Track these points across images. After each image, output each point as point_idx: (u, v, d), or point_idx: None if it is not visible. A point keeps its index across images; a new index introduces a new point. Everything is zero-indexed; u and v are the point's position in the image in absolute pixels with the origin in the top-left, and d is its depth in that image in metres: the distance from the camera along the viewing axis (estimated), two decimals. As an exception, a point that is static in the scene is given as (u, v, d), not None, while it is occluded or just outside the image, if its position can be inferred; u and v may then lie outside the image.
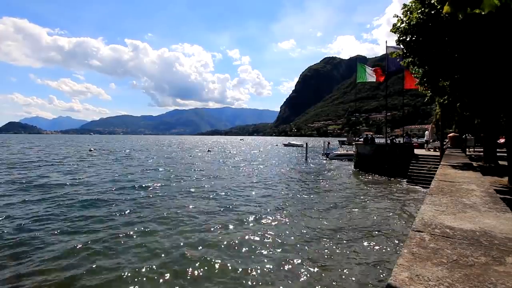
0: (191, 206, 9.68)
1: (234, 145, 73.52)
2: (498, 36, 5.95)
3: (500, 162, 12.70)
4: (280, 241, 6.63)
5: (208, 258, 5.64)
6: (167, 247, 6.19)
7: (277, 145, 70.89)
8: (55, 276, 4.94)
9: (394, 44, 9.63)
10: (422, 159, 15.77)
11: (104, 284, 4.74)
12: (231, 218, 8.41)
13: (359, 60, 28.43)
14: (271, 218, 8.44)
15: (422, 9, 6.93)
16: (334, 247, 6.29)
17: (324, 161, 28.09)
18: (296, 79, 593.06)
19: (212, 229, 7.41)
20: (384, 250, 6.10)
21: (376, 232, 7.20)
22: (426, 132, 24.58)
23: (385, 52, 17.93)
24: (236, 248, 6.22)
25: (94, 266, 5.31)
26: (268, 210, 9.42)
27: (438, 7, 6.34)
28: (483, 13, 1.34)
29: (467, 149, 20.47)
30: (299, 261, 5.58)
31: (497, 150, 14.35)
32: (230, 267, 5.30)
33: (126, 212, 8.94)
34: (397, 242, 6.52)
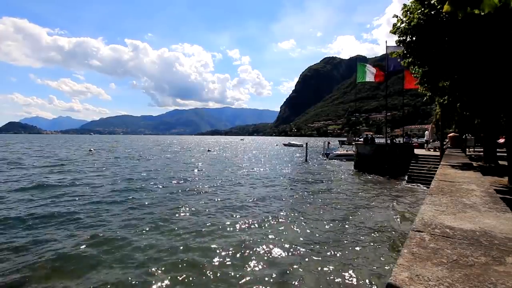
0: (190, 207, 9.68)
1: (235, 145, 73.54)
2: (498, 36, 5.95)
3: (500, 162, 12.69)
4: (280, 241, 6.63)
5: (208, 259, 5.65)
6: (169, 245, 6.20)
7: (277, 145, 70.88)
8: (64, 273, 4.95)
9: (394, 44, 9.61)
10: (422, 159, 15.77)
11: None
12: (231, 218, 8.42)
13: (359, 60, 28.45)
14: (271, 219, 8.44)
15: (422, 9, 6.93)
16: (334, 247, 6.28)
17: (324, 161, 28.08)
18: (296, 79, 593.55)
19: (210, 231, 7.38)
20: (384, 250, 6.10)
21: (376, 232, 7.19)
22: (426, 132, 24.58)
23: (385, 52, 17.94)
24: (236, 248, 6.22)
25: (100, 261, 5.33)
26: (269, 210, 9.41)
27: (438, 7, 6.34)
28: (482, 13, 1.34)
29: (467, 149, 20.47)
30: (299, 261, 5.58)
31: (497, 150, 14.34)
32: (229, 267, 5.30)
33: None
34: (397, 242, 6.51)
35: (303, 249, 6.15)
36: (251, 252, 6.02)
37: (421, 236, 2.17)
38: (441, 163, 8.97)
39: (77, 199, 10.57)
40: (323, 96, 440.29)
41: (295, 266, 5.36)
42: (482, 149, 16.54)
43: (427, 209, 3.00)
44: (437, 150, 17.84)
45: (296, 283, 4.79)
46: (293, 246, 6.35)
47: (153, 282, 4.81)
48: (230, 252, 5.99)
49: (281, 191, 12.74)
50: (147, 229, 7.35)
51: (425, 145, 22.36)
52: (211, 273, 5.11)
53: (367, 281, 4.85)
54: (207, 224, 7.79)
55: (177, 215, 8.69)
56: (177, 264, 5.44)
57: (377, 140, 24.46)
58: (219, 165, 24.35)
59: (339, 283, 4.80)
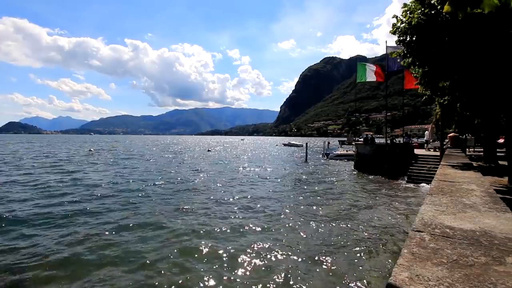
0: (190, 206, 9.68)
1: (235, 145, 73.59)
2: (498, 36, 5.95)
3: (500, 162, 12.70)
4: (280, 241, 6.64)
5: (208, 260, 5.65)
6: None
7: (277, 145, 70.90)
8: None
9: (394, 44, 9.64)
10: (422, 159, 15.78)
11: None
12: (232, 219, 8.42)
13: (359, 60, 28.47)
14: (272, 218, 8.44)
15: (422, 9, 6.93)
16: (334, 246, 6.28)
17: (324, 161, 28.08)
18: (296, 79, 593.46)
19: (212, 231, 7.37)
20: (384, 250, 6.10)
21: (376, 232, 7.19)
22: (426, 132, 24.59)
23: (385, 52, 17.94)
24: (237, 249, 6.22)
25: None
26: (269, 210, 9.41)
27: (438, 7, 6.34)
28: (481, 11, 1.33)
29: (467, 149, 20.47)
30: (299, 261, 5.58)
31: (497, 150, 14.34)
32: (230, 268, 5.31)
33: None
34: (397, 242, 6.51)
35: (302, 249, 6.15)
36: (252, 253, 6.02)
37: (421, 236, 2.17)
38: (441, 163, 8.97)
39: (76, 199, 10.57)
40: (323, 96, 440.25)
41: (295, 266, 5.36)
42: (482, 149, 16.55)
43: (427, 209, 3.00)
44: (437, 150, 17.84)
45: (298, 283, 4.80)
46: (294, 246, 6.35)
47: (153, 282, 4.81)
48: (230, 253, 5.99)
49: (281, 191, 12.74)
50: (148, 229, 7.36)
51: (425, 145, 22.37)
52: (210, 274, 5.12)
53: (367, 281, 4.85)
54: (209, 225, 7.79)
55: (177, 215, 8.69)
56: (176, 264, 5.45)
57: (377, 140, 24.46)
58: (219, 165, 24.34)
59: (339, 282, 4.80)
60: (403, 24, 7.68)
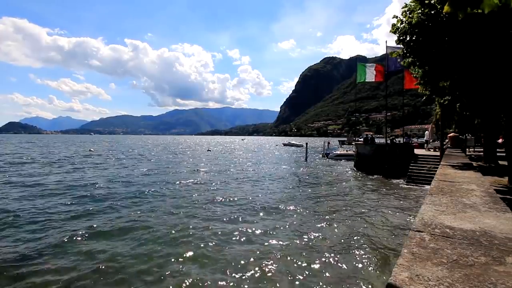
0: (189, 206, 9.69)
1: (236, 145, 73.65)
2: (498, 36, 5.95)
3: (500, 162, 12.69)
4: (280, 242, 6.64)
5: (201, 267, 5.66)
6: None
7: (277, 145, 70.93)
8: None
9: (394, 44, 9.62)
10: (422, 159, 15.77)
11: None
12: (233, 219, 8.43)
13: (359, 60, 28.47)
14: (271, 219, 8.45)
15: (422, 9, 6.93)
16: (335, 247, 6.29)
17: (324, 161, 28.08)
18: (296, 79, 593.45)
19: (208, 233, 7.39)
20: (384, 250, 6.10)
21: (376, 232, 7.20)
22: (426, 132, 24.59)
23: (385, 52, 17.94)
24: (238, 250, 6.22)
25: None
26: (269, 211, 9.42)
27: (438, 7, 6.34)
28: (481, 11, 1.33)
29: (467, 149, 20.47)
30: (299, 262, 5.58)
31: (497, 150, 14.34)
32: (229, 269, 5.31)
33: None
34: (397, 241, 6.51)
35: (302, 250, 6.15)
36: (253, 253, 6.02)
37: (421, 236, 2.17)
38: (441, 163, 8.97)
39: (75, 199, 10.57)
40: (323, 96, 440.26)
41: (294, 267, 5.36)
42: (482, 149, 16.54)
43: (427, 209, 3.00)
44: (437, 150, 17.84)
45: (296, 283, 4.80)
46: (292, 246, 6.35)
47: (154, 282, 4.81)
48: (230, 255, 5.99)
49: (281, 191, 12.74)
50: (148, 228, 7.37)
51: (425, 145, 22.36)
52: (211, 274, 5.12)
53: (367, 281, 4.85)
54: (205, 225, 7.80)
55: (176, 215, 8.70)
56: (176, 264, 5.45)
57: (377, 140, 24.46)
58: (220, 165, 24.33)
59: (339, 283, 4.80)
60: (403, 24, 7.68)
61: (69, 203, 9.96)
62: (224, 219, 8.31)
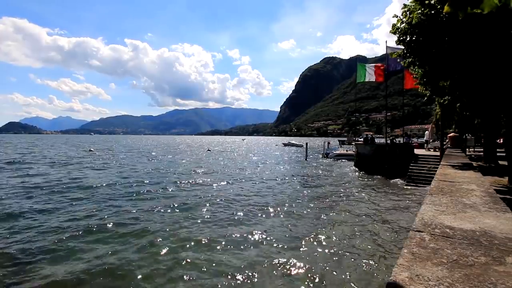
0: (189, 207, 9.69)
1: (236, 145, 73.74)
2: (498, 36, 5.95)
3: (500, 162, 12.70)
4: (280, 242, 6.64)
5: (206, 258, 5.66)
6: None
7: (276, 145, 70.97)
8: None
9: (394, 44, 9.63)
10: (422, 159, 15.77)
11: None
12: (230, 219, 8.43)
13: (359, 60, 28.49)
14: (271, 220, 8.45)
15: (422, 9, 6.93)
16: (334, 247, 6.29)
17: (324, 161, 28.08)
18: (296, 79, 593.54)
19: (208, 234, 7.38)
20: (384, 250, 6.10)
21: (376, 232, 7.20)
22: (426, 132, 24.59)
23: (385, 52, 17.94)
24: (234, 249, 6.22)
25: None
26: (269, 211, 9.42)
27: (438, 7, 6.34)
28: (480, 11, 1.33)
29: (467, 149, 20.47)
30: (299, 262, 5.59)
31: (497, 150, 14.34)
32: (227, 268, 5.31)
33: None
34: (397, 241, 6.51)
35: (302, 250, 6.15)
36: (255, 253, 6.02)
37: (421, 236, 2.17)
38: (441, 163, 8.97)
39: (73, 200, 10.57)
40: (323, 96, 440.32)
41: (294, 267, 5.36)
42: (482, 149, 16.55)
43: (427, 209, 3.00)
44: (437, 150, 17.84)
45: (296, 283, 4.80)
46: (293, 247, 6.36)
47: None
48: (232, 256, 5.99)
49: (282, 191, 12.73)
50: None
51: (425, 145, 22.36)
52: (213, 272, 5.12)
53: (367, 281, 4.85)
54: (205, 225, 7.80)
55: (176, 215, 8.70)
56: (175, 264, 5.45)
57: (377, 140, 24.46)
58: (221, 165, 24.33)
59: (338, 282, 4.80)
60: (403, 24, 7.69)
61: (66, 203, 9.96)
62: (224, 220, 8.30)
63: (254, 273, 5.06)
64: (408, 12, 7.55)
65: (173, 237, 6.78)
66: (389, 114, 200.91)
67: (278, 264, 5.42)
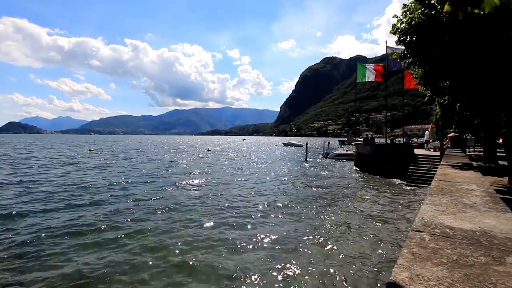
0: (189, 208, 9.69)
1: (237, 145, 73.81)
2: (498, 36, 5.95)
3: (500, 162, 12.69)
4: (279, 242, 6.64)
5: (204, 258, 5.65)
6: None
7: (276, 145, 71.01)
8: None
9: (394, 44, 9.63)
10: (422, 159, 15.77)
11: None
12: (229, 220, 8.43)
13: (359, 60, 28.51)
14: (271, 220, 8.45)
15: (422, 9, 6.93)
16: (334, 247, 6.28)
17: (324, 161, 28.09)
18: (296, 79, 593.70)
19: (209, 234, 7.37)
20: (384, 250, 6.09)
21: (376, 232, 7.19)
22: (426, 132, 24.59)
23: (385, 52, 17.95)
24: (234, 248, 6.22)
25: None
26: (269, 211, 9.42)
27: (438, 7, 6.34)
28: (482, 12, 1.33)
29: (467, 149, 20.47)
30: (298, 262, 5.58)
31: (497, 150, 14.34)
32: (227, 267, 5.31)
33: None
34: (397, 241, 6.51)
35: (302, 250, 6.15)
36: (252, 255, 6.02)
37: (421, 236, 2.16)
38: (441, 163, 8.97)
39: (72, 201, 10.57)
40: (323, 96, 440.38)
41: (294, 267, 5.36)
42: (482, 149, 16.54)
43: (427, 209, 3.00)
44: (437, 150, 17.84)
45: (296, 283, 4.80)
46: (292, 247, 6.35)
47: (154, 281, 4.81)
48: (227, 251, 5.99)
49: (282, 192, 12.73)
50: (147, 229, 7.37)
51: (425, 145, 22.36)
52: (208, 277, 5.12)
53: (367, 281, 4.84)
54: (205, 225, 7.80)
55: (176, 217, 8.70)
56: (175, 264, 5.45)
57: (377, 140, 24.46)
58: (221, 165, 24.33)
59: (338, 282, 4.79)
60: (403, 24, 7.69)
61: (63, 205, 9.96)
62: (225, 222, 8.28)
63: (254, 276, 5.06)
64: (408, 12, 7.55)
65: (172, 239, 6.69)
66: (389, 114, 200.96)
67: (279, 266, 5.42)
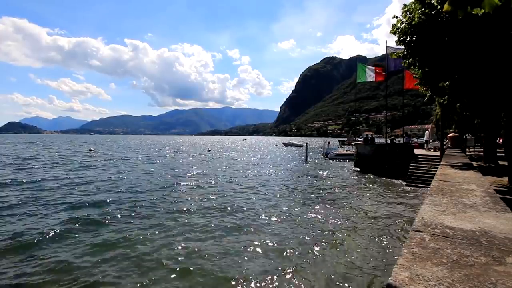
0: (190, 204, 9.70)
1: (237, 145, 73.83)
2: (498, 36, 5.95)
3: (500, 162, 12.69)
4: (279, 243, 6.64)
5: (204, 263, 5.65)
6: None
7: (276, 145, 71.02)
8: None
9: (394, 44, 9.64)
10: (422, 159, 15.76)
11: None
12: (230, 220, 8.43)
13: (359, 60, 28.51)
14: (270, 220, 8.45)
15: (422, 9, 6.93)
16: (334, 247, 6.28)
17: (324, 161, 28.09)
18: (296, 79, 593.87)
19: (210, 235, 7.35)
20: (384, 250, 6.09)
21: (376, 232, 7.19)
22: (426, 132, 24.59)
23: (385, 52, 17.94)
24: (233, 250, 6.22)
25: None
26: (268, 211, 9.42)
27: (438, 7, 6.34)
28: (480, 12, 1.33)
29: (467, 149, 20.47)
30: (298, 262, 5.58)
31: (497, 150, 14.33)
32: (227, 268, 5.31)
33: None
34: (397, 242, 6.51)
35: (301, 251, 6.15)
36: (251, 256, 6.01)
37: (421, 236, 2.16)
38: (441, 163, 8.97)
39: (70, 201, 10.57)
40: (323, 96, 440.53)
41: (293, 267, 5.36)
42: (482, 149, 16.54)
43: (427, 209, 3.00)
44: (437, 150, 17.84)
45: (295, 284, 4.80)
46: (292, 247, 6.35)
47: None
48: (227, 254, 5.98)
49: (281, 192, 12.73)
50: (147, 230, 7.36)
51: (425, 145, 22.36)
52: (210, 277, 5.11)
53: (367, 281, 4.84)
54: (206, 226, 7.80)
55: (176, 214, 8.70)
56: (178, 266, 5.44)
57: (377, 140, 24.45)
58: (221, 165, 24.32)
59: (338, 282, 4.79)
60: (403, 24, 7.69)
61: (62, 204, 9.96)
62: (225, 223, 8.27)
63: (254, 277, 5.06)
64: (408, 12, 7.55)
65: (172, 242, 6.61)
66: (389, 114, 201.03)
67: (279, 267, 5.42)
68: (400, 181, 14.77)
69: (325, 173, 19.30)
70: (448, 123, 20.51)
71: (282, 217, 8.54)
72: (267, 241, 6.56)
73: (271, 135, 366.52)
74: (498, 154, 13.74)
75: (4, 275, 4.93)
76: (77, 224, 7.59)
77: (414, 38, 7.58)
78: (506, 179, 8.38)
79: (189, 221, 8.05)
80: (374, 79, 20.24)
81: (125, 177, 15.96)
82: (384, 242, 6.53)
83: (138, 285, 4.67)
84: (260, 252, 6.00)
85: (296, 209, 9.49)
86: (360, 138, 27.46)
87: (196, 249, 6.05)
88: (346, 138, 39.24)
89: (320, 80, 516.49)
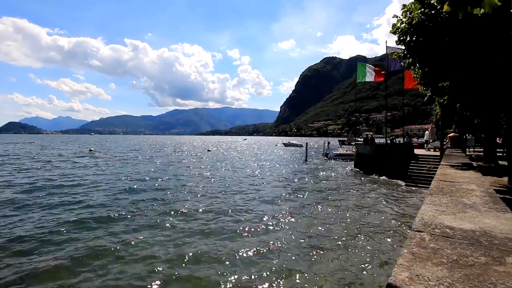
0: (191, 205, 9.69)
1: (238, 145, 73.84)
2: (498, 36, 5.95)
3: (500, 162, 12.69)
4: (284, 240, 6.64)
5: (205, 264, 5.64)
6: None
7: (276, 145, 71.03)
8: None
9: (394, 44, 9.63)
10: (422, 159, 15.75)
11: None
12: (230, 221, 8.43)
13: (359, 60, 28.51)
14: (271, 220, 8.44)
15: (422, 9, 6.93)
16: (334, 247, 6.28)
17: (324, 161, 28.09)
18: (296, 79, 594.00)
19: (210, 235, 7.35)
20: (384, 250, 6.09)
21: (375, 232, 7.19)
22: (426, 132, 24.57)
23: (385, 52, 17.93)
24: (233, 252, 6.22)
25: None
26: (268, 211, 9.41)
27: (438, 7, 6.35)
28: (480, 12, 1.33)
29: (467, 149, 20.46)
30: (298, 262, 5.58)
31: (497, 150, 14.33)
32: (227, 270, 5.31)
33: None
34: (397, 242, 6.51)
35: (301, 251, 6.15)
36: (251, 257, 6.01)
37: (421, 236, 2.16)
38: (441, 163, 8.97)
39: (69, 202, 10.56)
40: (323, 96, 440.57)
41: (292, 267, 5.36)
42: (482, 149, 16.53)
43: (427, 209, 3.00)
44: (437, 150, 17.82)
45: (300, 282, 4.80)
46: (292, 248, 6.35)
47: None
48: (227, 257, 5.98)
49: (281, 192, 12.73)
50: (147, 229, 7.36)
51: (425, 145, 22.35)
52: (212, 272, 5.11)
53: (367, 281, 4.84)
54: (206, 226, 7.80)
55: (176, 213, 8.70)
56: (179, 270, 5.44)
57: (377, 140, 24.44)
58: (221, 166, 24.32)
59: (338, 282, 4.79)
60: (403, 24, 7.69)
61: (61, 204, 9.96)
62: (225, 225, 8.27)
63: (255, 279, 5.06)
64: (408, 12, 7.55)
65: (170, 247, 6.44)
66: (389, 114, 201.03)
67: (280, 268, 5.42)
68: (400, 181, 14.76)
69: (325, 173, 19.30)
70: (448, 123, 20.51)
71: (282, 218, 8.54)
72: (267, 242, 6.56)
73: (271, 135, 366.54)
74: (498, 154, 13.74)
75: (4, 275, 4.94)
76: (74, 225, 7.59)
77: (414, 38, 7.57)
78: (506, 179, 8.38)
79: (188, 222, 8.02)
80: (374, 79, 20.22)
81: (125, 177, 15.96)
82: (384, 242, 6.53)
83: (138, 285, 4.68)
84: (260, 252, 6.00)
85: (296, 209, 9.49)
86: (360, 138, 27.45)
87: (194, 251, 6.06)
88: (346, 138, 39.24)
89: (320, 80, 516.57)
